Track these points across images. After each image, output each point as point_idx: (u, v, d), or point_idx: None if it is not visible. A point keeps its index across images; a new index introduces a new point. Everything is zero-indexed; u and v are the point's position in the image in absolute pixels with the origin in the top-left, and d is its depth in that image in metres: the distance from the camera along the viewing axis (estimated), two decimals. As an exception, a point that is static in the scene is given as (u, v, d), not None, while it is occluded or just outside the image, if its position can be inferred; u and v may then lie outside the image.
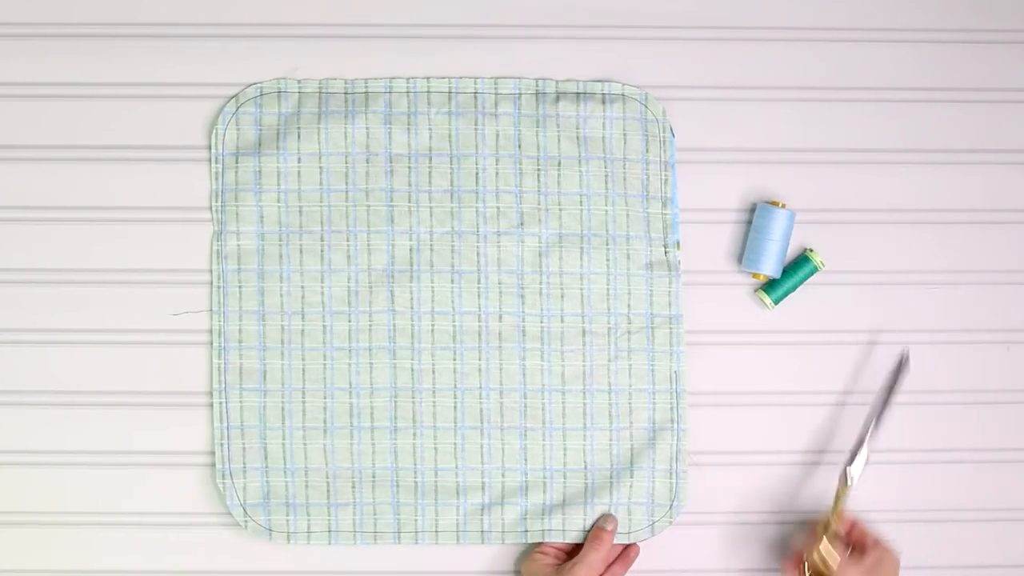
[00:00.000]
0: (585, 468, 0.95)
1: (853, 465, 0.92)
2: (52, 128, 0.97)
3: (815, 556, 0.88)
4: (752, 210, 0.97)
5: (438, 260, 0.95)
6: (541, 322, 0.95)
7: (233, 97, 0.96)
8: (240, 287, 0.95)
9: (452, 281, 0.95)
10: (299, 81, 0.96)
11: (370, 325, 0.95)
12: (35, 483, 0.95)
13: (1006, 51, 0.99)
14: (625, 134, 0.96)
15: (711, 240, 0.97)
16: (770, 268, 0.95)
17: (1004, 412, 0.98)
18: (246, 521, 0.94)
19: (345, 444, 0.95)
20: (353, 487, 0.95)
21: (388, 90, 0.96)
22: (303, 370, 0.95)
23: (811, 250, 0.96)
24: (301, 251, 0.95)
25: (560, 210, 0.96)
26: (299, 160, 0.96)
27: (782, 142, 0.98)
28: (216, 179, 0.96)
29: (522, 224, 0.96)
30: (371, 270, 0.95)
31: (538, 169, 0.96)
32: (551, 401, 0.95)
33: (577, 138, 0.96)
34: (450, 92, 0.96)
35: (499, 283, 0.96)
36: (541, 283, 0.96)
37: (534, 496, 0.95)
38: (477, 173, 0.96)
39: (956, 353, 0.97)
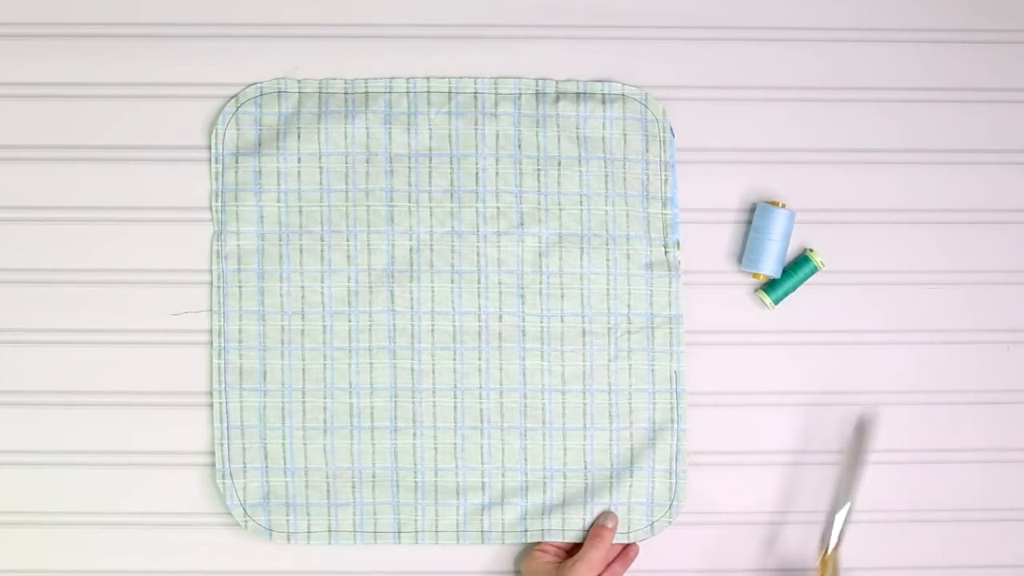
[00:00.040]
0: (585, 468, 0.95)
1: (833, 532, 0.92)
2: (52, 128, 0.97)
3: None
4: (752, 210, 0.97)
5: (438, 260, 0.95)
6: (541, 322, 0.95)
7: (233, 97, 0.96)
8: (240, 287, 0.95)
9: (452, 281, 0.95)
10: (299, 81, 0.96)
11: (370, 325, 0.95)
12: (35, 483, 0.95)
13: (1006, 51, 0.99)
14: (625, 134, 0.96)
15: (711, 240, 0.97)
16: (770, 268, 0.95)
17: (1004, 412, 0.98)
18: (246, 521, 0.94)
19: (345, 444, 0.95)
20: (353, 487, 0.95)
21: (388, 90, 0.96)
22: (303, 370, 0.95)
23: (811, 250, 0.96)
24: (301, 251, 0.95)
25: (560, 210, 0.96)
26: (299, 160, 0.96)
27: (782, 142, 0.98)
28: (216, 179, 0.96)
29: (522, 224, 0.96)
30: (371, 270, 0.95)
31: (538, 169, 0.96)
32: (551, 401, 0.95)
33: (577, 138, 0.96)
34: (450, 92, 0.96)
35: (499, 283, 0.96)
36: (541, 283, 0.96)
37: (534, 496, 0.95)
38: (477, 173, 0.96)
39: (956, 353, 0.97)
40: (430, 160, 0.96)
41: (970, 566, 0.97)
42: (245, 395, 0.95)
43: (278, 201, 0.96)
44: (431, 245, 0.96)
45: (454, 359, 0.95)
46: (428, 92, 0.96)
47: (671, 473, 0.95)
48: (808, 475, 0.97)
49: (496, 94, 0.96)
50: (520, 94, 0.97)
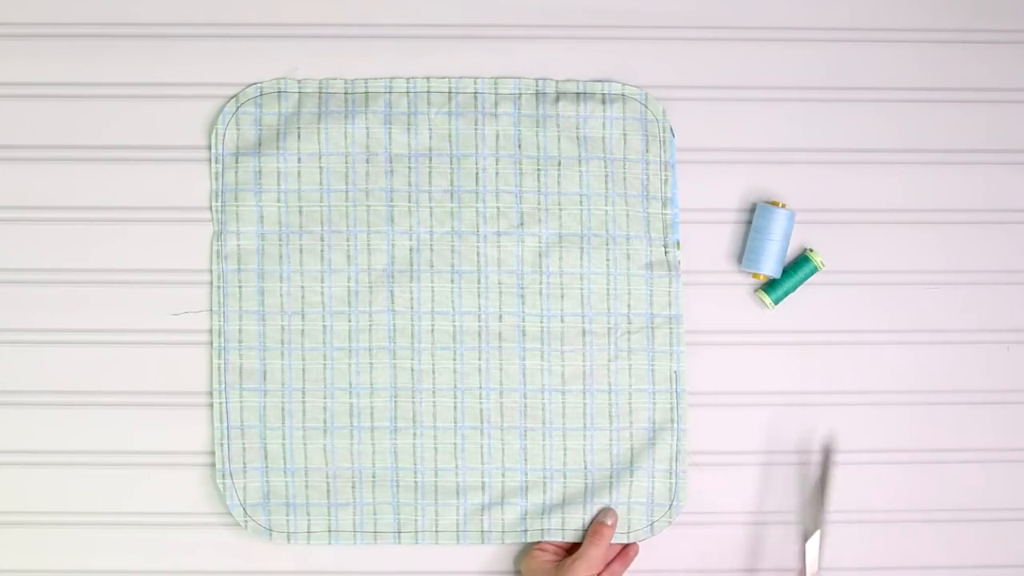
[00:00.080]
0: (585, 468, 0.95)
1: (807, 562, 0.92)
2: (51, 128, 0.97)
3: None
4: (752, 210, 0.97)
5: (438, 260, 0.95)
6: (541, 322, 0.95)
7: (233, 97, 0.96)
8: (240, 287, 0.95)
9: (452, 281, 0.95)
10: (299, 81, 0.96)
11: (370, 325, 0.95)
12: (35, 483, 0.95)
13: (1006, 51, 0.99)
14: (625, 134, 0.96)
15: (711, 240, 0.97)
16: (770, 268, 0.95)
17: (1005, 412, 0.98)
18: (246, 521, 0.94)
19: (345, 444, 0.95)
20: (353, 487, 0.95)
21: (388, 90, 0.96)
22: (303, 370, 0.95)
23: (811, 250, 0.96)
24: (301, 251, 0.95)
25: (560, 210, 0.96)
26: (299, 160, 0.96)
27: (782, 142, 0.98)
28: (216, 179, 0.96)
29: (522, 224, 0.96)
30: (371, 270, 0.95)
31: (538, 169, 0.96)
32: (551, 401, 0.95)
33: (577, 138, 0.96)
34: (450, 92, 0.96)
35: (499, 283, 0.96)
36: (541, 283, 0.96)
37: (534, 496, 0.95)
38: (477, 173, 0.96)
39: (956, 353, 0.98)
40: (430, 160, 0.96)
41: (970, 566, 0.97)
42: (245, 395, 0.95)
43: (278, 201, 0.95)
44: (431, 245, 0.95)
45: (454, 359, 0.95)
46: (428, 92, 0.96)
47: (671, 473, 0.95)
48: (808, 476, 0.97)
49: (496, 94, 0.96)
50: (520, 94, 0.97)
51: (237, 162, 0.96)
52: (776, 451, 0.97)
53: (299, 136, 0.95)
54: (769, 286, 0.96)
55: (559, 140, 0.96)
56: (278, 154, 0.95)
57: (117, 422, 0.95)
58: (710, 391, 0.97)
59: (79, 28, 0.97)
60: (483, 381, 0.95)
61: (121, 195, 0.96)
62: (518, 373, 0.95)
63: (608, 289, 0.95)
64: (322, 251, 0.95)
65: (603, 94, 0.96)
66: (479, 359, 0.95)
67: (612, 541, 0.93)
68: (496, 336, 0.95)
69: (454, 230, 0.96)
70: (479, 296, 0.95)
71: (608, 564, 0.92)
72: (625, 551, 0.94)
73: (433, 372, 0.95)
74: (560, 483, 0.95)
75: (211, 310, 0.95)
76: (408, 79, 0.97)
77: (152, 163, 0.97)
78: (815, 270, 0.96)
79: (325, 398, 0.95)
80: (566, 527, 0.94)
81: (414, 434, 0.95)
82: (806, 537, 0.92)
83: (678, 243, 0.96)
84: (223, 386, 0.95)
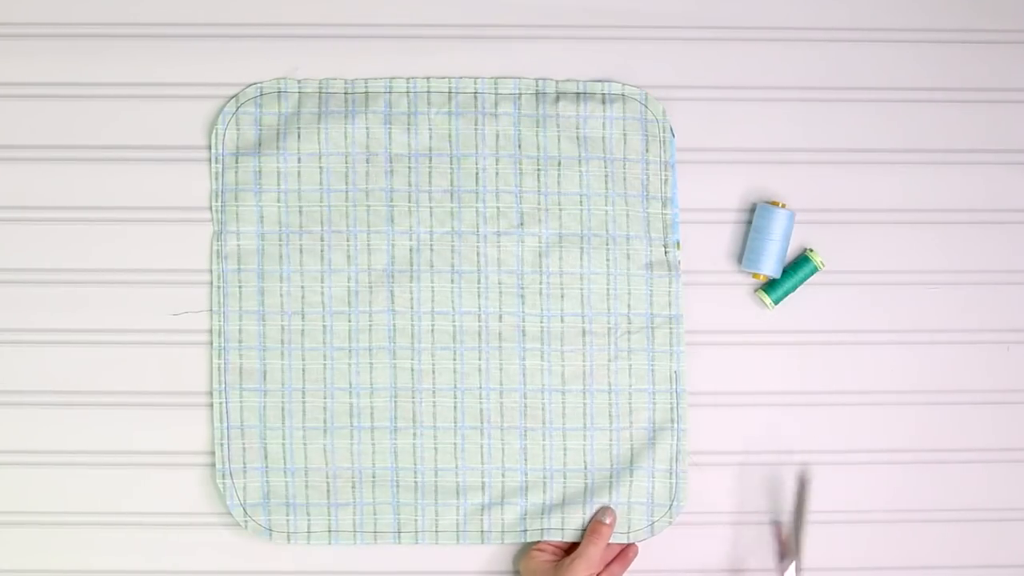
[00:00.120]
0: (585, 468, 0.95)
1: None
2: (51, 128, 0.97)
3: None
4: (752, 210, 0.97)
5: (438, 260, 0.95)
6: (541, 322, 0.95)
7: (233, 97, 0.96)
8: (240, 287, 0.95)
9: (452, 281, 0.95)
10: (299, 81, 0.96)
11: (370, 325, 0.95)
12: (35, 483, 0.95)
13: (1006, 51, 0.99)
14: (625, 134, 0.96)
15: (711, 240, 0.97)
16: (770, 268, 0.95)
17: (1005, 412, 0.98)
18: (246, 521, 0.94)
19: (345, 444, 0.95)
20: (353, 487, 0.95)
21: (388, 90, 0.96)
22: (303, 370, 0.95)
23: (811, 250, 0.96)
24: (301, 251, 0.95)
25: (560, 210, 0.96)
26: (299, 160, 0.96)
27: (782, 142, 0.98)
28: (216, 179, 0.96)
29: (522, 224, 0.96)
30: (371, 270, 0.95)
31: (538, 169, 0.96)
32: (551, 401, 0.95)
33: (577, 138, 0.96)
34: (450, 92, 0.96)
35: (499, 283, 0.96)
36: (541, 283, 0.96)
37: (534, 496, 0.95)
38: (477, 173, 0.96)
39: (956, 353, 0.98)
40: (430, 160, 0.96)
41: (970, 566, 0.97)
42: (245, 395, 0.95)
43: (278, 201, 0.95)
44: (431, 245, 0.95)
45: (454, 359, 0.95)
46: (428, 92, 0.96)
47: (671, 473, 0.95)
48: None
49: (496, 94, 0.96)
50: (520, 94, 0.97)
51: (237, 162, 0.96)
52: (776, 451, 0.97)
53: (299, 136, 0.95)
54: (769, 286, 0.96)
55: (559, 140, 0.96)
56: (278, 154, 0.95)
57: (117, 422, 0.95)
58: (710, 391, 0.97)
59: (79, 28, 0.97)
60: (483, 381, 0.95)
61: (121, 195, 0.96)
62: (518, 373, 0.95)
63: (608, 289, 0.95)
64: (322, 251, 0.95)
65: (603, 94, 0.96)
66: (479, 359, 0.95)
67: (611, 541, 0.93)
68: (496, 336, 0.95)
69: (454, 230, 0.96)
70: (479, 296, 0.95)
71: (607, 565, 0.92)
72: (624, 552, 0.94)
73: (433, 372, 0.95)
74: (560, 483, 0.95)
75: (211, 310, 0.95)
76: (408, 79, 0.97)
77: (152, 163, 0.97)
78: (815, 270, 0.96)
79: (325, 398, 0.95)
80: (566, 527, 0.94)
81: (414, 434, 0.95)
82: (782, 569, 0.93)
83: (678, 243, 0.96)
84: (223, 386, 0.95)
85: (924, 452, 0.97)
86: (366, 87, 0.96)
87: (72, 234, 0.96)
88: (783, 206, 0.95)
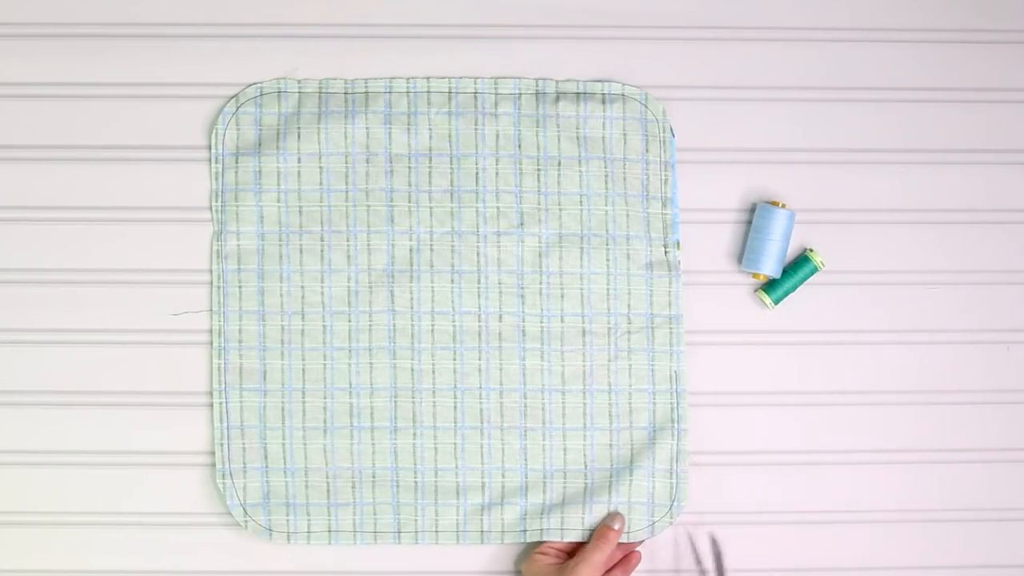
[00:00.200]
0: (585, 468, 0.95)
1: None
2: (51, 128, 0.97)
3: None
4: (752, 210, 0.97)
5: (438, 260, 0.95)
6: (541, 322, 0.95)
7: (233, 97, 0.96)
8: (240, 287, 0.95)
9: (452, 281, 0.95)
10: (299, 81, 0.96)
11: (370, 325, 0.95)
12: (35, 483, 0.95)
13: (1006, 51, 0.99)
14: (625, 134, 0.96)
15: (711, 240, 0.97)
16: (770, 268, 0.95)
17: (1005, 412, 0.98)
18: (246, 521, 0.94)
19: (345, 444, 0.95)
20: (353, 487, 0.95)
21: (388, 90, 0.96)
22: (303, 370, 0.95)
23: (811, 250, 0.96)
24: (301, 251, 0.95)
25: (560, 210, 0.96)
26: (299, 160, 0.96)
27: (782, 142, 0.98)
28: (216, 179, 0.96)
29: (522, 224, 0.96)
30: (371, 270, 0.95)
31: (538, 169, 0.96)
32: (551, 401, 0.95)
33: (577, 138, 0.96)
34: (450, 92, 0.96)
35: (499, 283, 0.96)
36: (541, 283, 0.96)
37: (534, 496, 0.95)
38: (477, 173, 0.96)
39: (956, 353, 0.97)
40: (430, 160, 0.96)
41: (971, 566, 0.97)
42: (245, 395, 0.95)
43: (278, 201, 0.95)
44: (431, 245, 0.95)
45: (454, 359, 0.95)
46: (428, 92, 0.96)
47: (671, 473, 0.95)
48: (808, 475, 0.97)
49: (496, 94, 0.96)
50: (520, 94, 0.97)
51: (237, 162, 0.96)
52: (776, 451, 0.97)
53: (299, 136, 0.95)
54: (769, 286, 0.96)
55: (559, 140, 0.96)
56: (278, 154, 0.95)
57: (117, 422, 0.95)
58: (710, 391, 0.97)
59: (79, 28, 0.97)
60: (483, 381, 0.95)
61: (121, 195, 0.96)
62: (518, 373, 0.95)
63: (608, 289, 0.95)
64: (322, 251, 0.95)
65: (603, 94, 0.96)
66: (479, 359, 0.95)
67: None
68: (496, 336, 0.95)
69: (454, 230, 0.96)
70: (479, 296, 0.95)
71: (609, 571, 0.92)
72: (627, 559, 0.93)
73: (433, 372, 0.95)
74: (560, 483, 0.95)
75: (211, 310, 0.95)
76: (408, 79, 0.97)
77: (152, 163, 0.97)
78: (815, 270, 0.96)
79: (325, 398, 0.95)
80: (566, 527, 0.94)
81: (414, 434, 0.95)
82: None
83: (678, 243, 0.96)
84: (223, 386, 0.95)
85: (924, 452, 0.97)
86: (366, 87, 0.96)
87: (72, 234, 0.96)
88: (783, 206, 0.95)
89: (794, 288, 0.96)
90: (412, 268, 0.95)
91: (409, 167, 0.96)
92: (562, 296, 0.95)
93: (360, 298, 0.95)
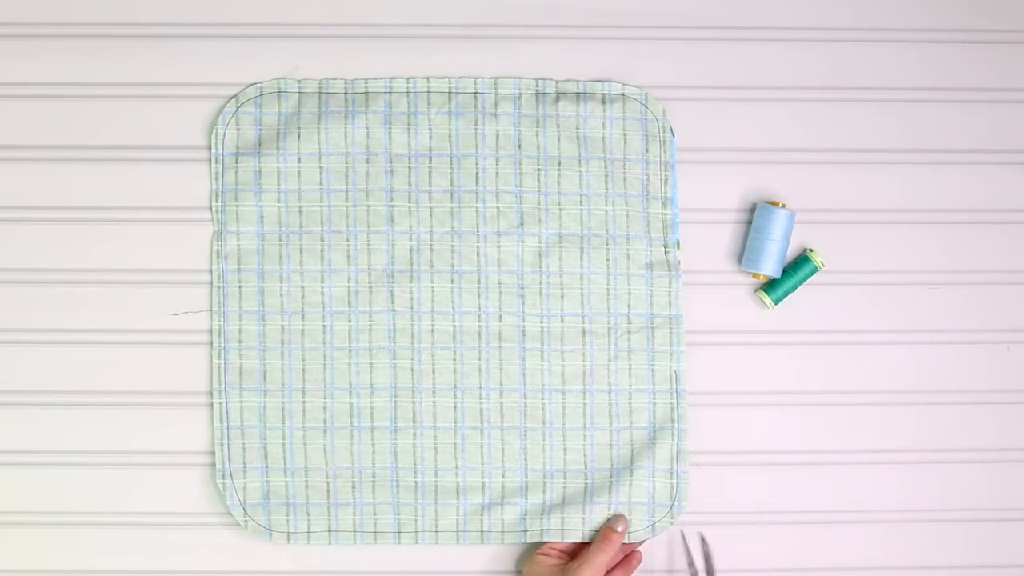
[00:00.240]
0: (585, 468, 0.95)
1: None
2: (51, 128, 0.97)
3: None
4: (752, 210, 0.97)
5: (438, 260, 0.95)
6: (541, 322, 0.95)
7: (233, 97, 0.96)
8: (240, 287, 0.95)
9: (452, 281, 0.95)
10: (299, 81, 0.96)
11: (370, 325, 0.95)
12: (35, 483, 0.95)
13: (1006, 51, 0.99)
14: (625, 134, 0.96)
15: (711, 240, 0.97)
16: (770, 268, 0.95)
17: (1005, 412, 0.98)
18: (246, 521, 0.94)
19: (345, 444, 0.95)
20: (353, 487, 0.95)
21: (388, 90, 0.96)
22: (303, 370, 0.95)
23: (811, 250, 0.96)
24: (301, 251, 0.95)
25: (560, 210, 0.96)
26: (299, 160, 0.96)
27: (782, 142, 0.98)
28: (216, 179, 0.96)
29: (522, 224, 0.96)
30: (371, 270, 0.95)
31: (538, 169, 0.96)
32: (551, 401, 0.95)
33: (577, 138, 0.96)
34: (450, 92, 0.96)
35: (499, 283, 0.96)
36: (541, 283, 0.96)
37: (534, 496, 0.95)
38: (477, 173, 0.96)
39: (956, 353, 0.97)
40: (430, 160, 0.96)
41: (971, 566, 0.97)
42: (245, 395, 0.95)
43: (278, 201, 0.95)
44: (431, 245, 0.95)
45: (454, 359, 0.95)
46: (428, 92, 0.96)
47: (672, 473, 0.95)
48: (808, 475, 0.97)
49: (496, 94, 0.96)
50: (520, 94, 0.97)
51: (237, 162, 0.96)
52: (776, 451, 0.97)
53: (299, 136, 0.95)
54: (769, 286, 0.96)
55: (559, 140, 0.96)
56: (278, 154, 0.95)
57: (117, 422, 0.95)
58: (710, 391, 0.97)
59: (79, 28, 0.97)
60: (483, 381, 0.95)
61: (121, 195, 0.96)
62: (518, 373, 0.95)
63: (608, 289, 0.95)
64: (322, 251, 0.95)
65: (603, 94, 0.96)
66: (479, 359, 0.95)
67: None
68: (496, 336, 0.95)
69: (454, 230, 0.96)
70: (479, 296, 0.95)
71: (610, 571, 0.91)
72: (627, 559, 0.93)
73: (433, 372, 0.95)
74: (560, 483, 0.95)
75: (211, 310, 0.95)
76: (408, 79, 0.97)
77: (152, 163, 0.97)
78: (815, 270, 0.96)
79: (325, 398, 0.95)
80: (566, 527, 0.94)
81: (414, 434, 0.95)
82: None
83: (678, 243, 0.96)
84: (223, 386, 0.95)
85: (924, 452, 0.97)
86: (366, 87, 0.96)
87: (72, 234, 0.96)
88: (783, 206, 0.95)
89: (794, 288, 0.96)
90: (412, 268, 0.95)
91: (409, 167, 0.96)
92: (562, 296, 0.95)
93: (360, 298, 0.95)
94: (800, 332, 0.97)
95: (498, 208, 0.96)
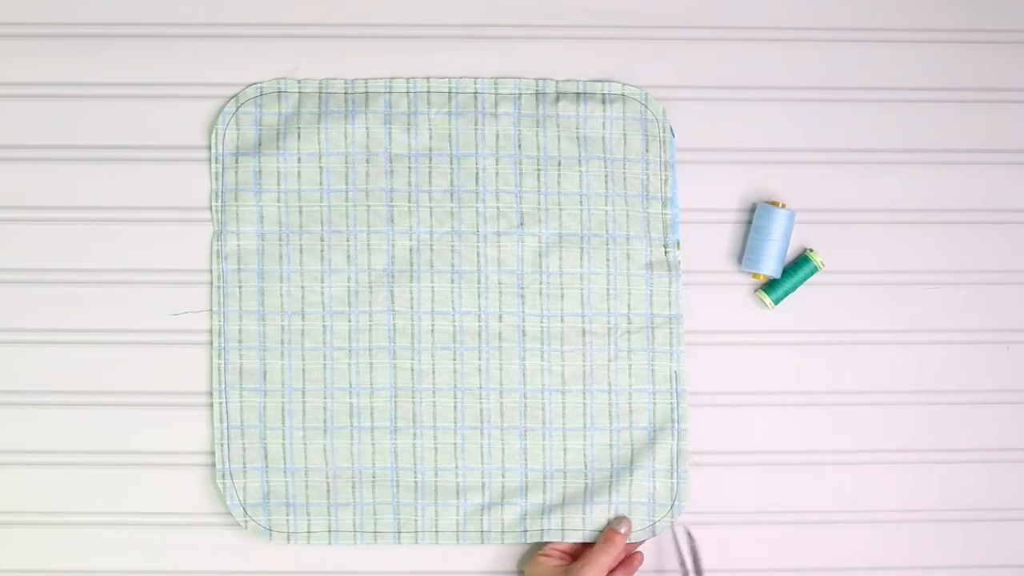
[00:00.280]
0: (585, 468, 0.95)
1: None
2: (51, 128, 0.97)
3: None
4: (752, 210, 0.97)
5: (438, 260, 0.95)
6: (541, 322, 0.95)
7: (233, 97, 0.96)
8: (240, 287, 0.95)
9: (452, 281, 0.95)
10: (299, 81, 0.96)
11: (370, 325, 0.95)
12: (35, 483, 0.95)
13: (1006, 51, 0.99)
14: (625, 134, 0.96)
15: (711, 240, 0.97)
16: (770, 268, 0.95)
17: (1005, 412, 0.98)
18: (246, 521, 0.94)
19: (345, 444, 0.95)
20: (353, 487, 0.95)
21: (388, 90, 0.96)
22: (303, 370, 0.95)
23: (811, 250, 0.96)
24: (301, 251, 0.95)
25: (560, 210, 0.96)
26: (299, 160, 0.96)
27: (782, 142, 0.98)
28: (216, 179, 0.96)
29: (522, 224, 0.96)
30: (371, 270, 0.95)
31: (538, 169, 0.96)
32: (551, 401, 0.95)
33: (577, 138, 0.96)
34: (450, 92, 0.96)
35: (499, 283, 0.96)
36: (541, 283, 0.96)
37: (534, 496, 0.95)
38: (477, 173, 0.96)
39: (956, 353, 0.97)
40: (430, 160, 0.96)
41: (971, 566, 0.97)
42: (245, 395, 0.95)
43: (278, 201, 0.95)
44: (431, 245, 0.96)
45: (454, 359, 0.95)
46: (428, 92, 0.96)
47: (672, 473, 0.95)
48: (808, 475, 0.97)
49: (496, 94, 0.96)
50: (520, 94, 0.97)
51: (237, 162, 0.96)
52: (776, 451, 0.97)
53: (299, 136, 0.95)
54: (769, 286, 0.96)
55: (559, 140, 0.96)
56: (278, 154, 0.95)
57: (117, 422, 0.95)
58: (710, 391, 0.97)
59: (79, 28, 0.97)
60: (483, 381, 0.95)
61: (121, 195, 0.96)
62: (518, 373, 0.95)
63: (608, 289, 0.95)
64: (322, 251, 0.95)
65: (603, 94, 0.96)
66: (479, 359, 0.95)
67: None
68: (496, 336, 0.95)
69: (454, 230, 0.96)
70: (479, 296, 0.95)
71: (611, 572, 0.91)
72: (629, 560, 0.93)
73: (433, 372, 0.95)
74: (560, 483, 0.95)
75: (211, 310, 0.95)
76: (408, 79, 0.97)
77: (152, 163, 0.97)
78: (815, 270, 0.96)
79: (325, 398, 0.95)
80: (566, 527, 0.94)
81: (414, 434, 0.95)
82: None
83: (678, 243, 0.96)
84: (223, 386, 0.95)
85: (924, 452, 0.97)
86: (366, 87, 0.96)
87: (72, 234, 0.96)
88: (783, 206, 0.95)
89: (794, 288, 0.96)
90: (412, 268, 0.95)
91: (409, 167, 0.96)
92: (562, 296, 0.95)
93: (360, 298, 0.95)
94: (800, 332, 0.97)
95: (498, 208, 0.96)
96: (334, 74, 0.97)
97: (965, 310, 0.98)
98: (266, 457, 0.94)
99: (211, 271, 0.96)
